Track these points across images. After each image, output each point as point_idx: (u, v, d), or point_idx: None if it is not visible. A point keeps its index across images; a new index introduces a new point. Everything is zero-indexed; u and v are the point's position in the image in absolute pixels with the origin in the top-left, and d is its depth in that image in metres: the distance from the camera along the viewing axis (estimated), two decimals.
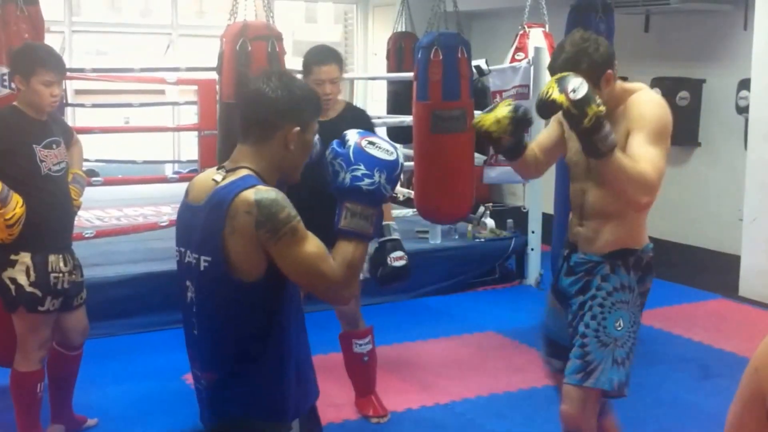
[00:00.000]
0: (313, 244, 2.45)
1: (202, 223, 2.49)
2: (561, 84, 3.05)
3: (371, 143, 2.50)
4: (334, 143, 2.53)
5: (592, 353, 3.35)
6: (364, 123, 4.62)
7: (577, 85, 3.03)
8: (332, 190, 2.52)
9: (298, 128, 2.52)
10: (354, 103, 10.95)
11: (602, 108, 3.03)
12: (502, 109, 3.38)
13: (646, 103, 3.32)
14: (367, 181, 2.46)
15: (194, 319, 2.58)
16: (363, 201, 2.47)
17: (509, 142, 3.45)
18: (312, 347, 2.75)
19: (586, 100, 3.01)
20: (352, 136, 2.53)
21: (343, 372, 4.89)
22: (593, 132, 3.04)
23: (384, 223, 4.39)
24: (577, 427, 3.39)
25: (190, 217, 2.57)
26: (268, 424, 2.58)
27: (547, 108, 3.10)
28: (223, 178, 2.50)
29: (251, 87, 2.57)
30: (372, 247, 4.47)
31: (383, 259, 4.40)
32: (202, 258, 2.48)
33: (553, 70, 3.30)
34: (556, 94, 3.03)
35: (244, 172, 2.50)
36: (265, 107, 2.52)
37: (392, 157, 2.51)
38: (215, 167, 2.61)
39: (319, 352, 5.21)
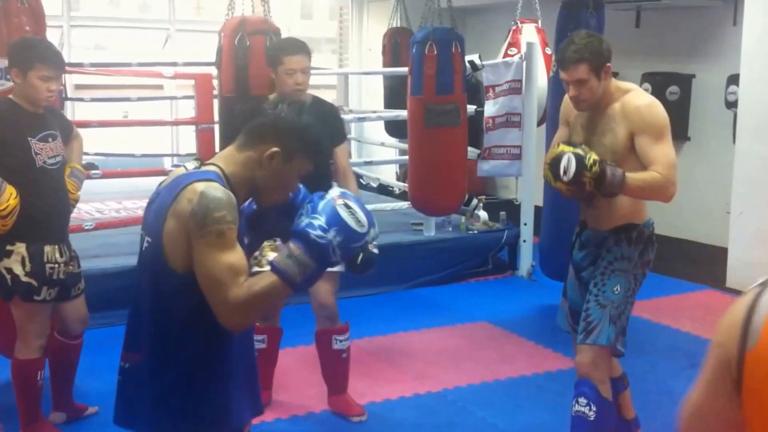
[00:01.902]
0: (232, 257, 2.38)
1: (156, 204, 2.52)
2: (553, 170, 3.59)
3: (347, 206, 2.43)
4: (318, 193, 2.50)
5: (592, 315, 3.75)
6: (332, 116, 4.68)
7: (566, 165, 3.52)
8: (291, 228, 2.47)
9: (277, 149, 2.51)
10: (349, 98, 11.11)
11: (595, 169, 3.51)
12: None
13: (645, 108, 3.72)
14: (318, 232, 2.38)
15: (134, 297, 2.60)
16: (305, 249, 2.38)
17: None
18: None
19: (578, 174, 3.51)
20: (335, 191, 2.49)
21: None
22: (599, 186, 3.53)
23: None
24: (587, 374, 3.74)
25: (154, 199, 2.58)
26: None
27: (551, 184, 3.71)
28: (193, 169, 2.55)
29: (274, 110, 2.69)
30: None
31: None
32: (146, 238, 2.51)
33: (562, 61, 3.74)
34: (551, 181, 3.63)
35: (210, 168, 2.51)
36: (267, 122, 2.58)
37: (360, 229, 2.42)
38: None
39: (302, 343, 5.30)
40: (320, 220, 2.39)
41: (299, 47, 4.52)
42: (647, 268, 3.92)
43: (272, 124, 2.56)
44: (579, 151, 3.56)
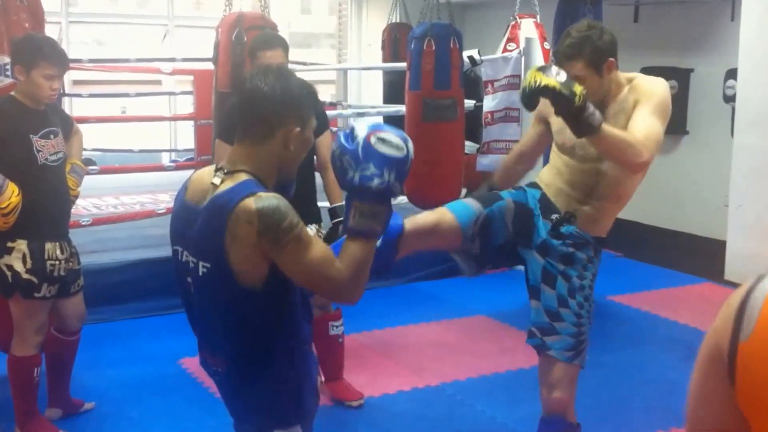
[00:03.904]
0: (318, 248, 2.38)
1: (201, 227, 2.42)
2: (545, 71, 3.11)
3: (381, 140, 2.38)
4: (341, 136, 2.42)
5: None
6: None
7: (558, 70, 3.13)
8: (341, 187, 2.47)
9: (298, 129, 2.44)
10: (348, 93, 11.11)
11: (584, 90, 3.11)
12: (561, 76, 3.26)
13: (654, 81, 3.44)
14: (376, 181, 2.36)
15: (197, 310, 2.56)
16: (372, 200, 2.38)
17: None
18: None
19: (571, 81, 3.09)
20: (362, 130, 2.41)
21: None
22: (583, 110, 3.10)
23: (337, 204, 4.43)
24: (563, 411, 3.54)
25: (187, 216, 2.50)
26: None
27: (537, 94, 3.14)
28: (222, 182, 2.42)
29: (248, 85, 2.45)
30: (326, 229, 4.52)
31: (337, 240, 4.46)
32: (201, 264, 2.42)
33: (557, 54, 3.42)
34: (545, 80, 3.07)
35: (243, 177, 2.41)
36: (264, 107, 2.42)
37: (402, 153, 2.40)
38: (213, 166, 2.54)
39: None
40: (371, 168, 2.36)
41: (274, 41, 4.53)
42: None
43: (272, 107, 2.42)
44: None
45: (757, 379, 1.36)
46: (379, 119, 9.87)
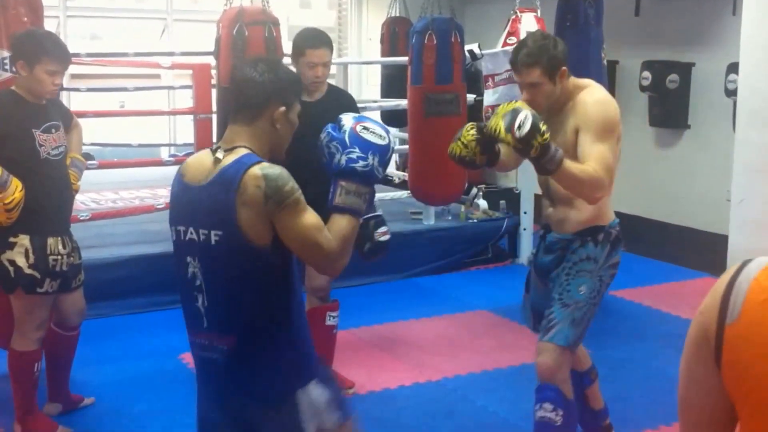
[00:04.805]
0: (312, 216, 2.63)
1: (211, 199, 2.63)
2: (506, 120, 3.27)
3: (365, 128, 2.69)
4: (329, 127, 2.72)
5: (553, 313, 3.67)
6: (348, 103, 4.76)
7: (522, 120, 3.25)
8: (328, 171, 2.70)
9: (283, 108, 2.71)
10: (348, 88, 11.09)
11: (546, 136, 3.27)
12: (467, 134, 3.58)
13: (592, 105, 3.60)
14: (361, 162, 2.65)
15: (198, 293, 2.70)
16: (357, 180, 2.66)
17: (482, 160, 3.65)
18: None
19: (531, 134, 3.24)
20: (348, 120, 2.71)
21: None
22: (540, 158, 3.30)
23: None
24: (551, 377, 3.64)
25: (190, 196, 2.71)
26: (299, 381, 2.73)
27: (493, 143, 3.48)
28: (225, 156, 2.66)
29: (240, 73, 2.76)
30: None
31: (370, 235, 4.50)
32: (213, 232, 2.63)
33: (514, 63, 3.63)
34: (501, 133, 3.27)
35: (243, 151, 2.67)
36: (255, 91, 2.71)
37: (384, 141, 2.70)
38: (208, 149, 2.77)
39: None
40: (356, 152, 2.65)
41: (321, 41, 4.65)
42: (615, 270, 3.81)
43: (262, 91, 2.71)
44: (537, 114, 3.33)
45: (742, 362, 1.42)
46: (378, 113, 9.89)
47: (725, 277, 1.46)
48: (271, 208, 2.57)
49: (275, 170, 2.60)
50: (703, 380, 1.53)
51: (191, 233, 2.69)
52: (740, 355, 1.42)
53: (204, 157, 2.75)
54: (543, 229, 3.92)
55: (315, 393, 2.76)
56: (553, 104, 3.65)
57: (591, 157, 3.46)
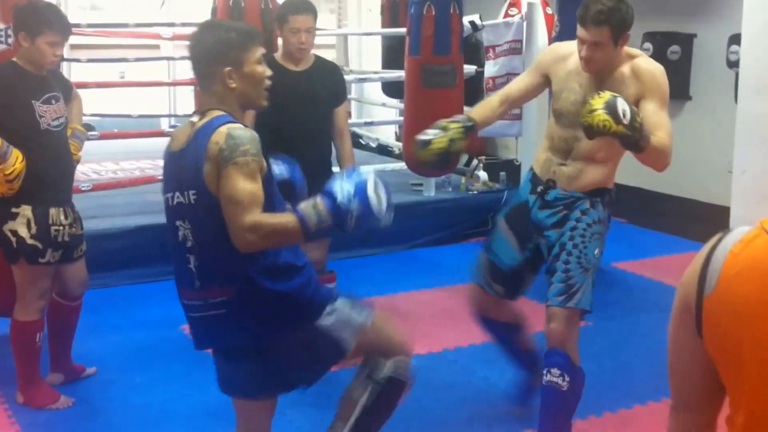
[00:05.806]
0: (254, 186, 2.66)
1: (185, 162, 2.75)
2: (611, 113, 3.21)
3: (376, 189, 2.72)
4: (349, 173, 2.76)
5: (574, 277, 3.66)
6: (336, 76, 4.77)
7: (625, 108, 3.23)
8: (322, 195, 2.71)
9: (228, 68, 2.77)
10: (349, 59, 11.05)
11: (641, 115, 3.32)
12: (452, 129, 3.66)
13: (661, 74, 3.62)
14: (344, 199, 2.67)
15: (190, 254, 2.77)
16: (329, 206, 2.68)
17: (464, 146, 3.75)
18: None
19: (633, 119, 3.24)
20: (372, 175, 2.75)
21: None
22: (640, 138, 3.29)
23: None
24: (563, 343, 3.65)
25: (174, 162, 2.83)
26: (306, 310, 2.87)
27: (600, 134, 3.27)
28: (200, 120, 2.77)
29: (189, 43, 2.87)
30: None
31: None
32: (190, 192, 2.73)
33: (583, 18, 3.54)
34: (612, 125, 3.20)
35: (216, 113, 2.78)
36: (196, 60, 2.83)
37: (378, 212, 2.72)
38: (189, 120, 2.86)
39: None
40: (349, 190, 2.67)
41: (305, 7, 4.59)
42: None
43: (202, 57, 2.80)
44: (622, 97, 3.31)
45: (719, 331, 1.50)
46: (379, 85, 9.86)
47: (705, 249, 1.54)
48: (221, 161, 2.64)
49: (243, 132, 2.68)
50: (688, 348, 1.60)
51: (178, 197, 2.78)
52: (718, 325, 1.49)
53: (185, 125, 2.85)
54: (544, 185, 3.84)
55: (337, 311, 2.92)
56: (604, 68, 3.63)
57: (661, 127, 3.50)
